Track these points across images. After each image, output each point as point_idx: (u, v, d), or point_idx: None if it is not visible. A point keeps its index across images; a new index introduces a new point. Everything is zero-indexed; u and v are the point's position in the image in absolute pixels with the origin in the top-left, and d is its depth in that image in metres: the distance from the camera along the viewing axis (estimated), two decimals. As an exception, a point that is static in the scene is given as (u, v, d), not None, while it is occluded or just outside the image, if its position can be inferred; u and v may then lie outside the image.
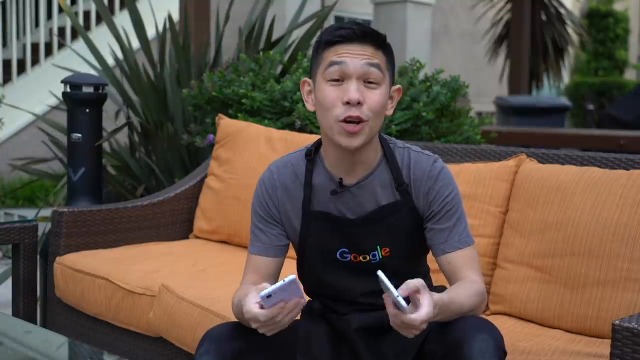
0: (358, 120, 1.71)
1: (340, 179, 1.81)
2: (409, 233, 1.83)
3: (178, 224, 3.20)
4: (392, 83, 1.80)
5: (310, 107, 1.82)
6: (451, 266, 1.78)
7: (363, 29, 1.73)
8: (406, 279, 1.77)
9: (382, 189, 1.81)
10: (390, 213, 1.81)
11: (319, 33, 1.81)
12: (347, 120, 1.71)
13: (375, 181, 1.81)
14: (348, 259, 1.83)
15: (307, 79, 1.83)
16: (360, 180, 1.81)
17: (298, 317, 1.92)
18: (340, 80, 1.72)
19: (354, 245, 1.82)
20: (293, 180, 1.85)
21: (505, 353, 1.65)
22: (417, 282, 1.54)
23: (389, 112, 1.80)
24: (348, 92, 1.70)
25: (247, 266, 1.89)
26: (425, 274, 1.96)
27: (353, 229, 1.82)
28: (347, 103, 1.70)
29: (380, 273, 1.53)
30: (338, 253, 1.83)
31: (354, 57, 1.71)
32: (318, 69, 1.76)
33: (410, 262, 1.87)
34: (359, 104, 1.70)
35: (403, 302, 1.51)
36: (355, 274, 1.84)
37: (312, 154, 1.85)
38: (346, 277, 1.85)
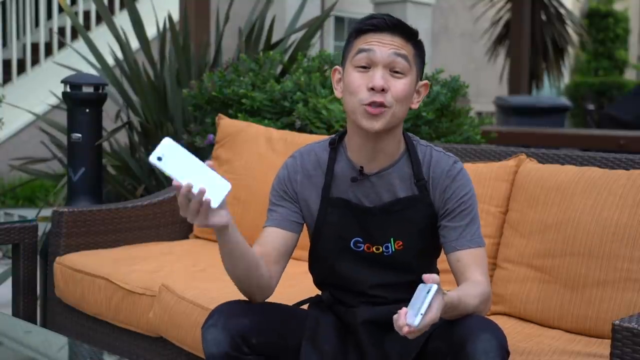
0: (381, 104, 1.75)
1: (361, 167, 1.83)
2: (423, 229, 1.85)
3: (178, 224, 3.20)
4: (420, 78, 1.84)
5: (338, 94, 1.87)
6: (460, 264, 1.80)
7: (394, 20, 1.79)
8: (415, 277, 1.80)
9: (401, 182, 1.84)
10: (407, 206, 1.83)
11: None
12: (371, 104, 1.75)
13: (394, 173, 1.84)
14: (361, 248, 1.86)
15: (338, 67, 1.88)
16: (380, 170, 1.84)
17: (306, 307, 1.94)
18: (367, 67, 1.77)
19: (368, 235, 1.85)
20: (315, 167, 1.90)
21: (508, 353, 1.66)
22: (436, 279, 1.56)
23: (415, 105, 1.84)
24: (373, 78, 1.75)
25: (259, 238, 1.89)
26: None
27: (369, 218, 1.84)
28: (372, 89, 1.74)
29: (433, 289, 1.54)
30: (352, 242, 1.86)
31: (383, 46, 1.76)
32: (348, 55, 1.81)
33: (421, 259, 1.89)
34: (383, 90, 1.74)
35: (417, 321, 1.52)
36: (367, 265, 1.87)
37: (336, 143, 1.89)
38: (358, 267, 1.87)
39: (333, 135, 1.93)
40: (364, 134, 1.80)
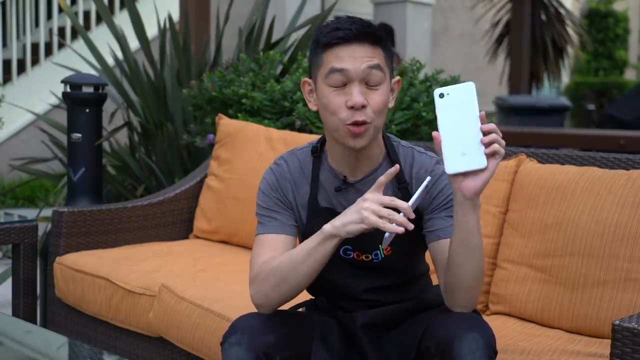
0: (363, 123, 1.72)
1: (344, 176, 1.82)
2: (410, 232, 1.83)
3: (178, 224, 3.20)
4: (392, 75, 1.81)
5: (312, 107, 1.83)
6: (443, 256, 1.76)
7: (360, 28, 1.73)
8: (407, 277, 1.78)
9: (385, 186, 1.82)
10: None
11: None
12: (354, 124, 1.72)
13: (378, 178, 1.82)
14: (351, 256, 1.85)
15: (307, 79, 1.83)
16: (364, 177, 1.83)
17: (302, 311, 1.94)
18: (342, 85, 1.73)
19: (357, 243, 1.83)
20: (300, 175, 1.87)
21: (495, 352, 1.65)
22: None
23: (391, 104, 1.81)
24: (352, 96, 1.71)
25: (262, 246, 1.84)
26: (424, 272, 1.97)
27: None
28: (352, 107, 1.71)
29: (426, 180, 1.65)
30: (342, 250, 1.85)
31: (355, 61, 1.71)
32: (319, 70, 1.77)
33: (411, 262, 1.89)
34: (363, 107, 1.72)
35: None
36: (357, 272, 1.86)
37: (318, 150, 1.86)
38: (349, 274, 1.86)
39: (314, 142, 1.89)
40: (346, 148, 1.77)
